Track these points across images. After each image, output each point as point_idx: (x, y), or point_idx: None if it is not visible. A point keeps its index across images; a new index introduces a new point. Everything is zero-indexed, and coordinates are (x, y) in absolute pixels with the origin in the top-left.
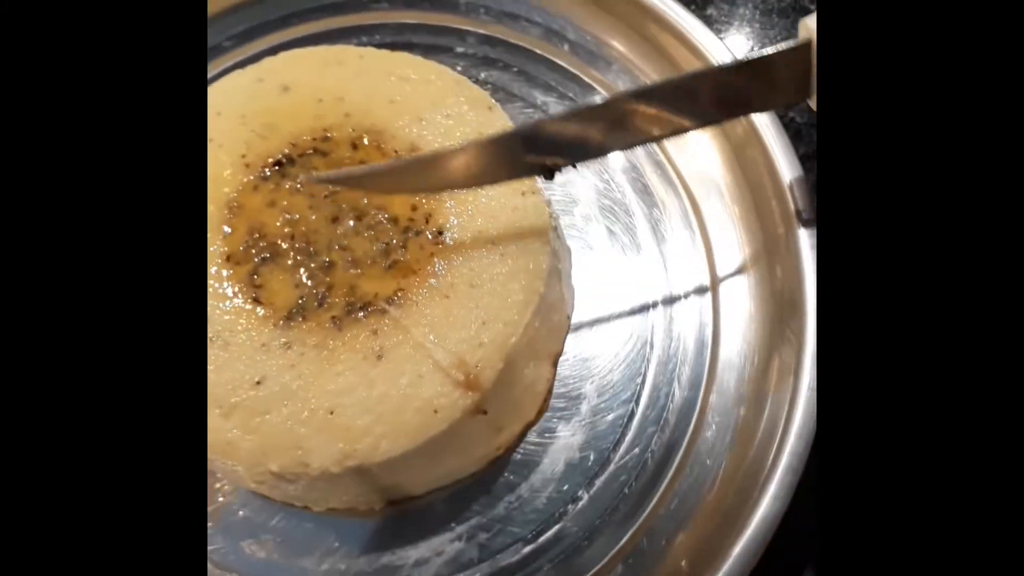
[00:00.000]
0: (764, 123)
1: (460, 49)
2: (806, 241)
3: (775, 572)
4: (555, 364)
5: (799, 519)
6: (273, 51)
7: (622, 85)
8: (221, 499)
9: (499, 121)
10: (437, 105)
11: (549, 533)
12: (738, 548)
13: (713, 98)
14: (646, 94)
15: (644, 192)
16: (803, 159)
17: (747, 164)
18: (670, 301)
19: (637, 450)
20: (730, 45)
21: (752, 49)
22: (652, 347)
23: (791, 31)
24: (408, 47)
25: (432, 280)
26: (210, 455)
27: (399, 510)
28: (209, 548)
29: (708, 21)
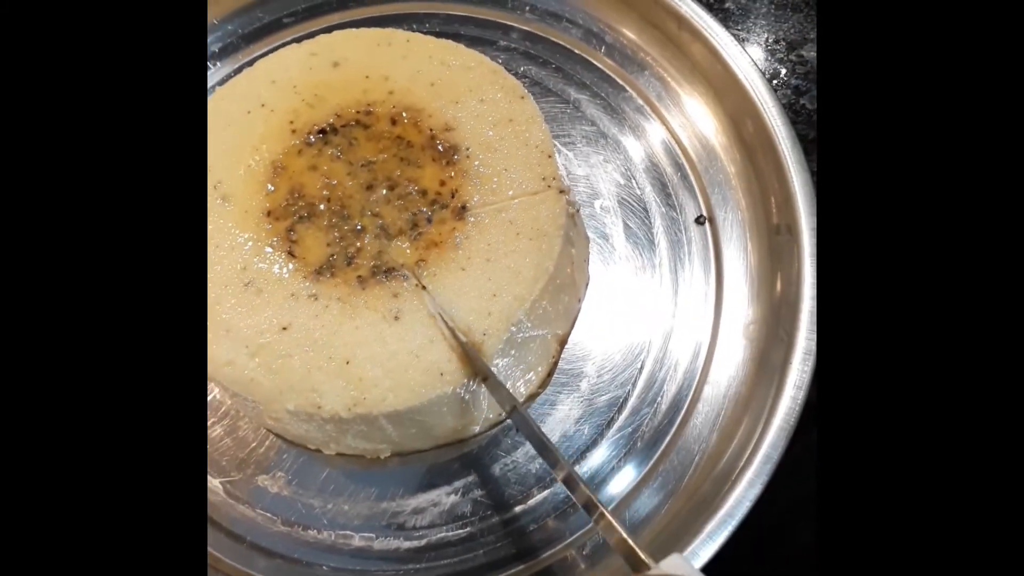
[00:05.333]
0: (782, 136)
1: (503, 43)
2: (807, 248)
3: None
4: (562, 344)
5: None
6: (329, 31)
7: (652, 91)
8: (242, 435)
9: (529, 109)
10: (473, 91)
11: (539, 496)
12: (708, 526)
13: None
14: None
15: (662, 191)
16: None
17: (760, 171)
18: (675, 297)
19: (629, 429)
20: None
21: (767, 42)
22: (652, 338)
23: (803, 24)
24: (455, 37)
25: (452, 252)
26: (233, 390)
27: (403, 462)
28: (225, 479)
29: (726, 14)
